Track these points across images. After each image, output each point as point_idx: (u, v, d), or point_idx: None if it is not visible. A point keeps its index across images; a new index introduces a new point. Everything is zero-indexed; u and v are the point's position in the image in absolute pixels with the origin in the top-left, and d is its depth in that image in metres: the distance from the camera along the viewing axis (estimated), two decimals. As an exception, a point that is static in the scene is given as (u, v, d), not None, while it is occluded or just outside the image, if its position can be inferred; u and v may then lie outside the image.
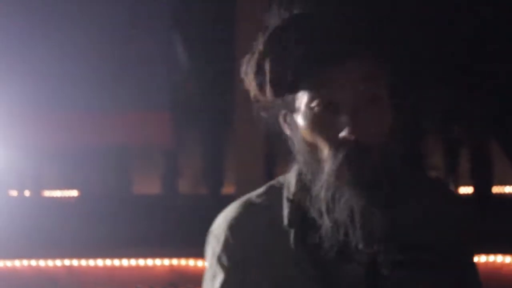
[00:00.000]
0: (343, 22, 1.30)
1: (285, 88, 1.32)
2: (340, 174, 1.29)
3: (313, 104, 1.31)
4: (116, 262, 4.75)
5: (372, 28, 1.30)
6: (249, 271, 1.36)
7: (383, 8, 1.34)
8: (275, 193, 1.38)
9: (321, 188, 1.30)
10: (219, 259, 1.38)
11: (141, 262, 4.75)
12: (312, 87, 1.31)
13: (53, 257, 4.72)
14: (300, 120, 1.33)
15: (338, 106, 1.30)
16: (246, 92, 4.94)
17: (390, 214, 1.29)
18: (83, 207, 5.35)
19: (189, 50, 5.27)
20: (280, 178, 1.41)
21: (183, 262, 4.77)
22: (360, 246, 1.30)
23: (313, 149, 1.32)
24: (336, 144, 1.29)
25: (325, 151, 1.31)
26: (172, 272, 4.73)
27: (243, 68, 1.39)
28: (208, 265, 1.41)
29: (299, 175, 1.37)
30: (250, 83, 1.38)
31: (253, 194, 1.41)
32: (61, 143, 5.15)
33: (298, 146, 1.34)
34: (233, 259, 1.37)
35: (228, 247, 1.38)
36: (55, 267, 4.74)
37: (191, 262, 4.77)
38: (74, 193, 5.74)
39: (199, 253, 4.52)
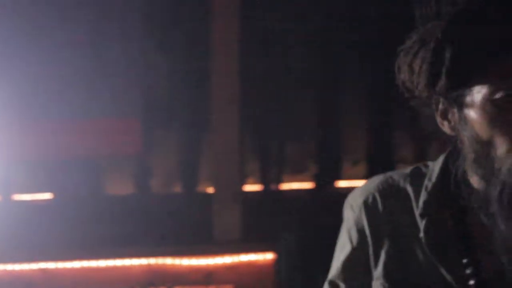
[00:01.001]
0: None
1: (464, 78, 1.25)
2: None
3: (496, 96, 1.23)
4: (93, 263, 4.73)
5: None
6: (376, 250, 1.37)
7: None
8: (419, 177, 1.37)
9: (496, 189, 1.24)
10: (349, 231, 1.40)
11: (119, 262, 4.74)
12: (497, 77, 1.22)
13: (29, 260, 4.69)
14: (474, 114, 1.25)
15: None
16: (222, 92, 4.93)
17: None
18: (57, 210, 5.33)
19: (163, 53, 5.28)
20: (429, 163, 1.39)
21: (160, 261, 4.77)
22: None
23: (487, 146, 1.26)
24: None
25: (503, 148, 1.24)
26: (150, 271, 4.72)
27: (402, 59, 1.30)
28: (341, 232, 1.42)
29: (445, 167, 1.34)
30: (413, 74, 1.30)
31: (397, 173, 1.40)
32: (36, 149, 5.12)
33: (467, 143, 1.28)
34: (363, 235, 1.38)
35: (359, 222, 1.38)
36: (31, 270, 4.70)
37: (169, 261, 4.77)
38: (48, 195, 5.71)
39: (176, 251, 4.50)
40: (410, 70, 1.29)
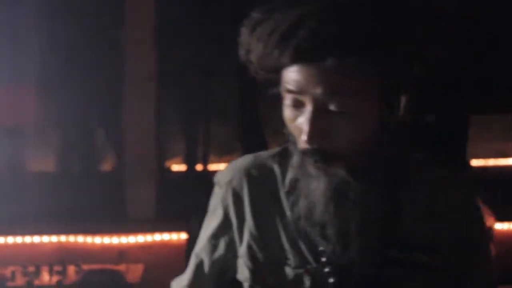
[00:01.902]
0: (333, 17, 1.22)
1: (263, 74, 1.30)
2: (307, 169, 1.29)
3: (285, 101, 1.28)
4: (1, 240, 4.65)
5: (368, 30, 1.22)
6: (240, 228, 1.39)
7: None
8: (286, 156, 1.39)
9: (296, 171, 1.32)
10: (216, 207, 1.42)
11: (28, 239, 4.66)
12: (289, 84, 1.26)
13: None
14: (283, 105, 1.30)
15: (304, 108, 1.26)
16: (138, 69, 4.75)
17: (359, 211, 1.28)
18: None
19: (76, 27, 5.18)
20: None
21: (71, 238, 4.70)
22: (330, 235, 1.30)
23: (292, 135, 1.32)
24: (301, 143, 1.28)
25: (298, 143, 1.31)
26: (60, 249, 4.65)
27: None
28: (209, 206, 1.45)
29: None
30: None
31: (267, 152, 1.42)
32: None
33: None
34: (227, 213, 1.40)
35: (225, 200, 1.40)
36: None
37: (80, 239, 4.71)
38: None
39: (88, 229, 4.39)
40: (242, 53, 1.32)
